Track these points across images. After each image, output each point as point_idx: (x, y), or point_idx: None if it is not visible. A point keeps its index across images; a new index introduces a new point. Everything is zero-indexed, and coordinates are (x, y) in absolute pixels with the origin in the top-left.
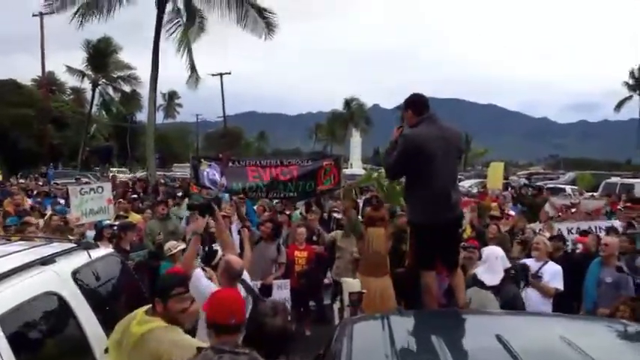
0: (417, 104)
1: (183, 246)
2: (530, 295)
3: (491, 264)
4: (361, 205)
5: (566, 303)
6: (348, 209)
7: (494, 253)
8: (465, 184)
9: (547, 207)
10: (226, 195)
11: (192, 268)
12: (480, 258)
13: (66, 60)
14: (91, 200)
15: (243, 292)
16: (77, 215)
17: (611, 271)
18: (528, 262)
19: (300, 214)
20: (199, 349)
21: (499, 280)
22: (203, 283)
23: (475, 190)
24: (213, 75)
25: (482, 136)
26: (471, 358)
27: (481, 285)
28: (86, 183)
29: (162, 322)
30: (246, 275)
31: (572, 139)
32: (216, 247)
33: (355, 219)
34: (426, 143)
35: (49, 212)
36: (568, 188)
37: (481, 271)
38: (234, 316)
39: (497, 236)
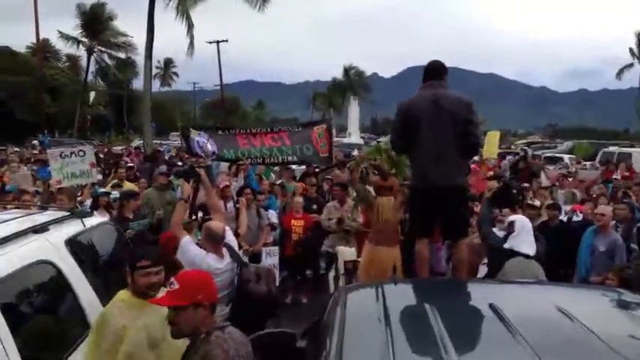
0: (425, 71)
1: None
2: None
3: (525, 235)
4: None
5: (561, 271)
6: (355, 180)
7: (526, 223)
8: None
9: (542, 177)
10: (222, 163)
11: (181, 233)
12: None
13: (61, 27)
14: (73, 164)
15: (228, 257)
16: (58, 178)
17: (605, 239)
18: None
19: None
20: (207, 333)
21: (535, 250)
22: (192, 250)
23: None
24: (209, 43)
25: (482, 105)
26: (463, 327)
27: (525, 256)
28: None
29: (125, 295)
30: (232, 241)
31: (571, 107)
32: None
33: (363, 189)
34: (413, 109)
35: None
36: (565, 157)
37: (517, 243)
38: (217, 293)
39: None
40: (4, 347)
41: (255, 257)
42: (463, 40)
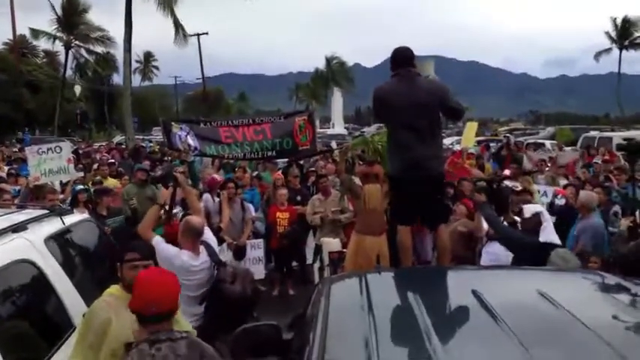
0: (392, 59)
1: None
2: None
3: (550, 225)
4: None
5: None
6: (340, 171)
7: (546, 213)
8: (446, 142)
9: (525, 162)
10: (205, 158)
11: (150, 234)
12: None
13: (38, 22)
14: (50, 160)
15: (205, 256)
16: (36, 175)
17: (588, 222)
18: None
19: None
20: (128, 345)
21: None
22: (164, 248)
23: (458, 147)
24: (190, 35)
25: (464, 93)
26: (446, 314)
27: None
28: None
29: (114, 289)
30: (211, 239)
31: (552, 94)
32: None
33: (349, 179)
34: (387, 98)
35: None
36: (548, 143)
37: (549, 235)
38: (155, 305)
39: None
40: None
41: (241, 250)
42: (445, 29)
